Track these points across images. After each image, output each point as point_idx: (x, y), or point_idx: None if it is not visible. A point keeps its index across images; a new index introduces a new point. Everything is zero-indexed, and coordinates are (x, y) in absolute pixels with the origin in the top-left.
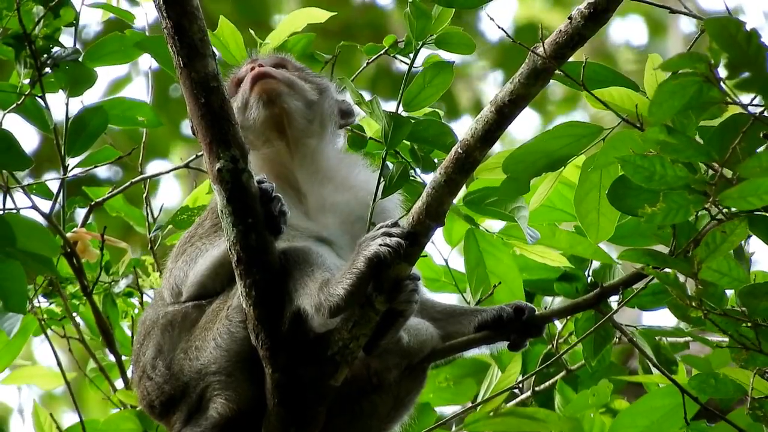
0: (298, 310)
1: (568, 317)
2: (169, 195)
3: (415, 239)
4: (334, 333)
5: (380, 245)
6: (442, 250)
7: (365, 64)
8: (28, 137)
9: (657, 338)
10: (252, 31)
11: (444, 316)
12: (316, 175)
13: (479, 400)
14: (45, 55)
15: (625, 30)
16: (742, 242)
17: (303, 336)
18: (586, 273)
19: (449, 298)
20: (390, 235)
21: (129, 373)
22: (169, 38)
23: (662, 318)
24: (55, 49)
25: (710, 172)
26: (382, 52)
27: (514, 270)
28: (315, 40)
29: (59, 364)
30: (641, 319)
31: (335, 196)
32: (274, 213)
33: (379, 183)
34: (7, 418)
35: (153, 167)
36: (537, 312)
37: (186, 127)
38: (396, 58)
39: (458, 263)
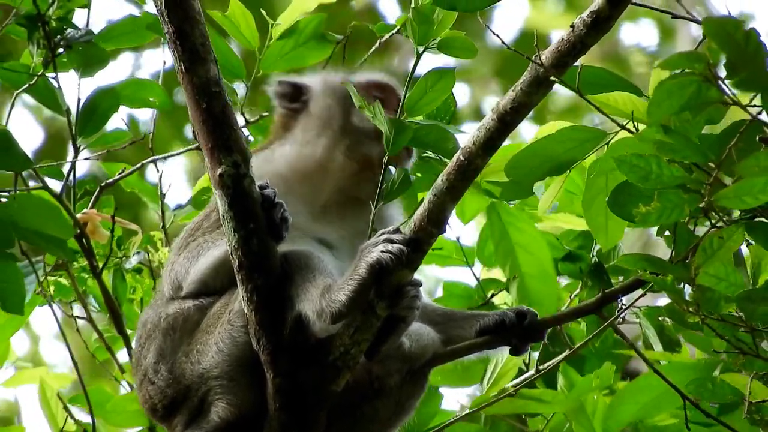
0: (300, 316)
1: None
2: (173, 194)
3: (416, 245)
4: (336, 338)
5: (382, 252)
6: (454, 225)
7: (377, 44)
8: (30, 136)
9: (660, 318)
10: (264, 13)
11: (445, 319)
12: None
13: (485, 382)
14: (58, 36)
15: (637, 33)
16: None
17: (304, 341)
18: (591, 253)
19: (460, 274)
20: (392, 241)
21: None
22: (170, 43)
23: None
24: (68, 30)
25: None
26: (394, 30)
27: (539, 239)
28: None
29: (67, 344)
30: (656, 299)
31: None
32: (276, 220)
33: (380, 188)
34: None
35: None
36: (539, 317)
37: (189, 132)
38: (407, 37)
39: (469, 240)
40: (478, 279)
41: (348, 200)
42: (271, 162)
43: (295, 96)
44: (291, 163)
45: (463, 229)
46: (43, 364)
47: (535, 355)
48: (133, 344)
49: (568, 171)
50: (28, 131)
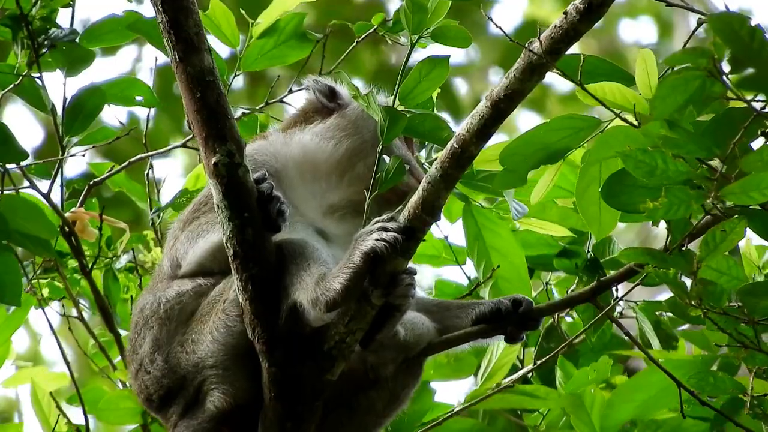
0: (295, 305)
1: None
2: (172, 190)
3: (411, 234)
4: (331, 327)
5: (376, 240)
6: (442, 225)
7: (355, 42)
8: (30, 134)
9: (657, 313)
10: (243, 12)
11: (440, 309)
12: None
13: (480, 377)
14: (42, 36)
15: (635, 30)
16: None
17: (299, 330)
18: (586, 249)
19: (450, 273)
20: (386, 229)
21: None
22: (164, 33)
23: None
24: (52, 30)
25: (708, 168)
26: (371, 30)
27: (513, 243)
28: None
29: (59, 344)
30: (653, 294)
31: None
32: (272, 215)
33: (375, 177)
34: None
35: (155, 164)
36: (534, 305)
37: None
38: (385, 36)
39: (458, 239)
40: (469, 278)
41: (354, 213)
42: (288, 145)
43: (329, 98)
44: (307, 151)
45: (451, 228)
46: (43, 362)
47: (530, 350)
48: (130, 329)
49: (562, 160)
50: (27, 129)
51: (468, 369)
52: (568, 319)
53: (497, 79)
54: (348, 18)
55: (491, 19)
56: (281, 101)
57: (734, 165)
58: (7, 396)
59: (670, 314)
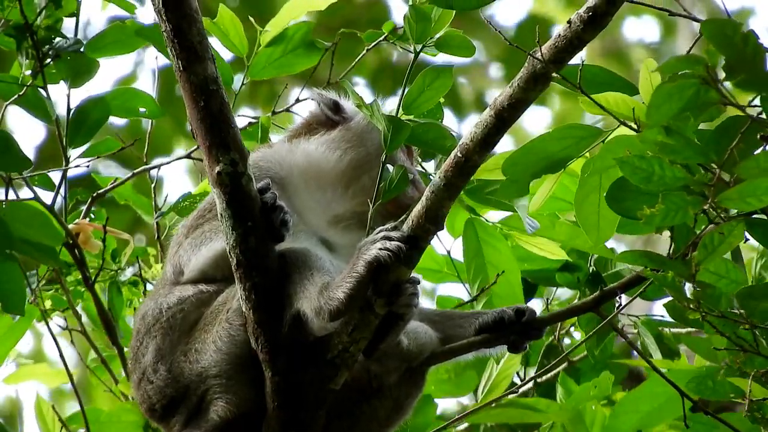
0: (298, 314)
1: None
2: (175, 192)
3: (414, 243)
4: (334, 336)
5: (380, 249)
6: (444, 240)
7: (365, 51)
8: (32, 133)
9: (660, 328)
10: (252, 19)
11: (443, 318)
12: None
13: (480, 392)
14: (47, 46)
15: (639, 28)
16: None
17: (303, 339)
18: (588, 263)
19: (451, 289)
20: (390, 238)
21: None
22: (168, 41)
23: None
24: (57, 39)
25: (707, 174)
26: (381, 38)
27: (513, 261)
28: (317, 36)
29: (61, 354)
30: (652, 309)
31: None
32: (276, 224)
33: (378, 186)
34: (15, 414)
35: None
36: (538, 314)
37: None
38: (395, 44)
39: (461, 254)
40: (470, 294)
41: (359, 224)
42: (293, 153)
43: (334, 111)
44: (311, 160)
45: (453, 243)
46: (46, 361)
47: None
48: (132, 337)
49: (562, 170)
50: (28, 129)
51: (469, 385)
52: (572, 337)
53: (498, 75)
54: (350, 17)
55: (492, 26)
56: (288, 110)
57: (732, 171)
58: (9, 395)
59: (672, 329)
